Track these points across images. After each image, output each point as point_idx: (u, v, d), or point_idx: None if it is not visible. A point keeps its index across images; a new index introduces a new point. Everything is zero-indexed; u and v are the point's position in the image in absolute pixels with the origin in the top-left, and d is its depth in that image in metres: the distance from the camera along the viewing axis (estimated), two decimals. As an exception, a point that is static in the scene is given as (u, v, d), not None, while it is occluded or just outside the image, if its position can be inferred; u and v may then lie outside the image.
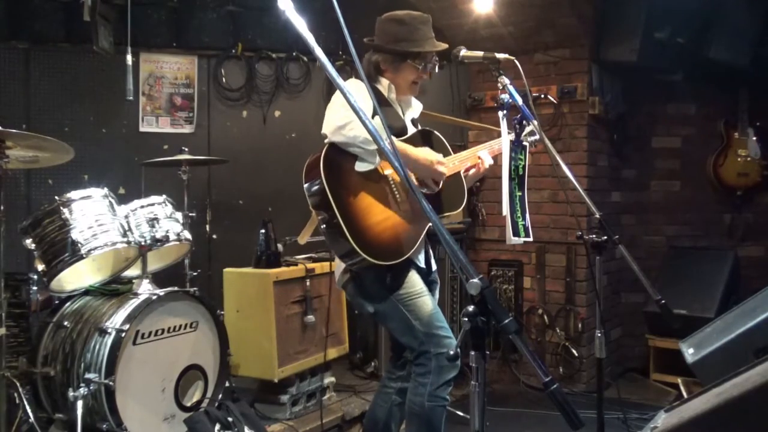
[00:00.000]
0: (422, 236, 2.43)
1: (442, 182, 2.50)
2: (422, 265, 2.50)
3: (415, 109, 2.67)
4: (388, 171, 2.40)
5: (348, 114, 2.24)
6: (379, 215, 2.32)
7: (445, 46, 2.56)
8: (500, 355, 4.59)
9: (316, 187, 2.26)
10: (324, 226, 2.29)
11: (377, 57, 2.53)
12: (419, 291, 2.40)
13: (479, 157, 2.61)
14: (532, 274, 4.65)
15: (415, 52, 2.49)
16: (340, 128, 2.25)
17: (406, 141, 2.48)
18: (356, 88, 2.38)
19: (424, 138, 2.58)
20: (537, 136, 2.63)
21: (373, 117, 2.28)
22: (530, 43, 4.53)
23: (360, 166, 2.32)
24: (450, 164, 2.52)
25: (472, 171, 2.62)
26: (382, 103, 2.48)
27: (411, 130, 2.58)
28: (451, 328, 2.42)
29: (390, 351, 2.71)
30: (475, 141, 4.62)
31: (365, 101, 2.22)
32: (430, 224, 2.42)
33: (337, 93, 2.38)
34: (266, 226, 3.61)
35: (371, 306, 2.45)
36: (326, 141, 2.31)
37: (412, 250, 2.36)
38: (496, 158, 2.67)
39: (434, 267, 2.62)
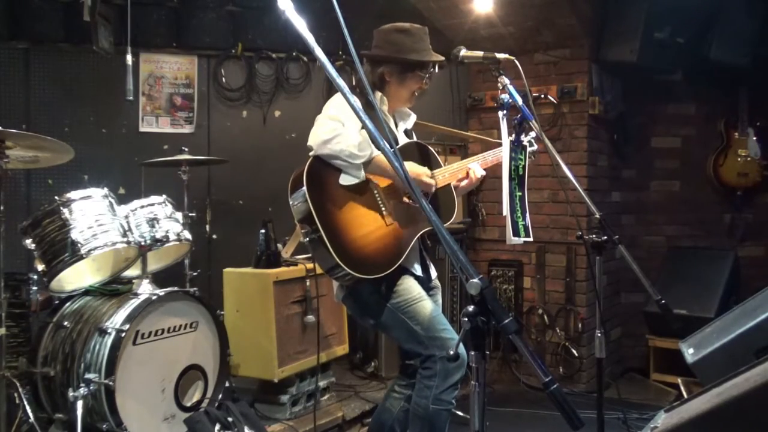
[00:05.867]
0: (411, 246, 2.41)
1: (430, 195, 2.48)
2: (419, 274, 2.49)
3: (409, 120, 2.67)
4: (374, 182, 2.39)
5: (335, 127, 2.25)
6: (364, 228, 2.31)
7: (443, 58, 2.58)
8: (500, 355, 4.59)
9: (299, 201, 2.26)
10: (307, 240, 2.29)
11: (383, 68, 2.52)
12: (416, 296, 2.39)
13: (470, 169, 2.57)
14: (532, 274, 4.66)
15: (423, 61, 2.51)
16: (326, 142, 2.25)
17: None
18: (344, 103, 2.37)
19: (415, 149, 2.57)
20: (535, 147, 2.65)
21: (362, 128, 2.27)
22: (530, 43, 4.53)
23: (344, 180, 2.31)
24: (440, 177, 2.51)
25: (464, 182, 2.58)
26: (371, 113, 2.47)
27: (403, 140, 2.58)
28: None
29: (399, 359, 2.70)
30: (475, 141, 4.62)
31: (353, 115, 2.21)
32: (422, 232, 2.44)
33: (328, 103, 2.41)
34: (266, 226, 3.61)
35: (371, 318, 2.45)
36: (311, 154, 2.30)
37: (399, 262, 2.35)
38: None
39: (434, 275, 2.61)
